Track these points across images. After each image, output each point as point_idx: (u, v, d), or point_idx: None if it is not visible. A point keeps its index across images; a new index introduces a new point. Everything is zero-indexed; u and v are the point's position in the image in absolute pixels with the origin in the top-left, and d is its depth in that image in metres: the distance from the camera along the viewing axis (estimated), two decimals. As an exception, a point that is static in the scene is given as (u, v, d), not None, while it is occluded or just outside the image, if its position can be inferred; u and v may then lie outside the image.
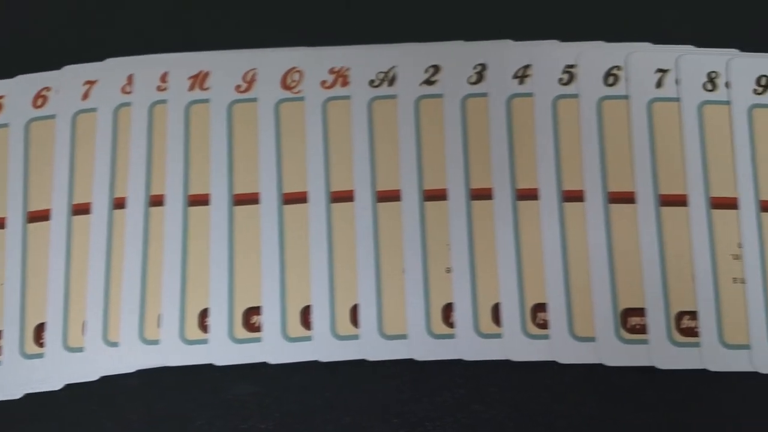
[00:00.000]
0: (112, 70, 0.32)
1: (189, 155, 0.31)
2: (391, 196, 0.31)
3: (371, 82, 0.32)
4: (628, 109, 0.31)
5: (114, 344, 0.30)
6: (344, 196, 0.31)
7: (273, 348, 0.29)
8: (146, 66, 0.32)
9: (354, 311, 0.30)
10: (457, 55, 0.32)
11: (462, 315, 0.29)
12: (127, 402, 0.30)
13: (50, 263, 0.31)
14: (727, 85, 0.31)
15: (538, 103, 0.31)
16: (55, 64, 0.33)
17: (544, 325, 0.29)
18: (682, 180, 0.30)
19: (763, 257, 0.30)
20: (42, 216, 0.31)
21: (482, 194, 0.30)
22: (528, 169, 0.31)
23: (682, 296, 0.29)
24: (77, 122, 0.32)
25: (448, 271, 0.30)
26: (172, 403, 0.30)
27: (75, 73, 0.32)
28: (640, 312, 0.29)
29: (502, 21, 0.33)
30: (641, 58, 0.32)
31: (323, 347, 0.29)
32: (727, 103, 0.31)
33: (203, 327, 0.30)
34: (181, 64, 0.32)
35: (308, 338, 0.29)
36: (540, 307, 0.29)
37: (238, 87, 0.32)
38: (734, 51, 0.32)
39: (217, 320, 0.30)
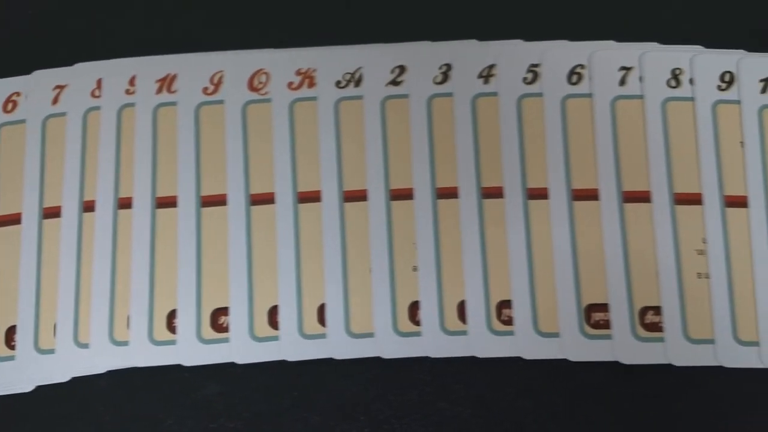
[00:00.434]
0: (82, 74, 0.33)
1: (157, 158, 0.31)
2: (357, 196, 0.31)
3: (338, 83, 0.32)
4: (591, 107, 0.31)
5: (85, 346, 0.30)
6: (311, 197, 0.31)
7: (241, 348, 0.30)
8: (115, 70, 0.32)
9: (321, 311, 0.30)
10: (422, 56, 0.32)
11: (428, 313, 0.30)
12: (98, 403, 0.30)
13: (21, 266, 0.31)
14: (691, 81, 0.32)
15: (502, 102, 0.31)
16: (24, 69, 0.33)
17: (509, 322, 0.30)
18: (646, 177, 0.31)
19: (727, 252, 0.30)
20: (13, 220, 0.31)
21: (448, 193, 0.31)
22: (494, 167, 0.31)
23: (647, 292, 0.30)
24: (47, 127, 0.32)
25: (415, 269, 0.30)
26: (142, 404, 0.30)
27: (45, 78, 0.33)
28: (604, 307, 0.30)
29: (467, 21, 0.33)
30: (605, 56, 0.32)
31: (290, 347, 0.30)
32: (691, 99, 0.31)
33: (171, 328, 0.30)
34: (149, 67, 0.32)
35: (275, 338, 0.30)
36: (505, 304, 0.30)
37: (205, 89, 0.32)
38: (699, 47, 0.32)
39: (185, 321, 0.30)
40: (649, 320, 0.29)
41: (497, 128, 0.31)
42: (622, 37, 0.32)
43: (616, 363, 0.29)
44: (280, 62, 0.32)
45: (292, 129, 0.31)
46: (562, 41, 0.32)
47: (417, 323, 0.30)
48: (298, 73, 0.32)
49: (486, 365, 0.30)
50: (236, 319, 0.30)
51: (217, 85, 0.32)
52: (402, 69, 0.32)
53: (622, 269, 0.30)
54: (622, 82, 0.31)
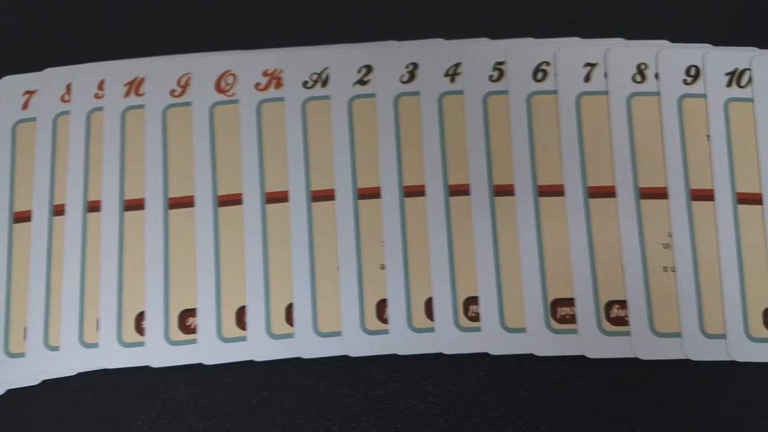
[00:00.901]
0: (51, 79, 0.33)
1: (125, 160, 0.31)
2: (325, 195, 0.31)
3: (305, 83, 0.32)
4: (557, 104, 0.31)
5: (55, 348, 0.30)
6: (279, 197, 0.31)
7: (208, 349, 0.30)
8: (84, 74, 0.33)
9: (289, 310, 0.30)
10: (389, 55, 0.32)
11: (395, 310, 0.30)
12: (68, 405, 0.30)
13: (-9, 271, 0.31)
14: (656, 76, 0.32)
15: (468, 100, 0.32)
16: (-7, 75, 0.33)
17: (475, 318, 0.30)
18: (611, 172, 0.31)
19: (693, 246, 0.30)
20: (-17, 225, 0.32)
21: (415, 191, 0.31)
22: (460, 165, 0.31)
23: (612, 286, 0.30)
24: (17, 132, 0.32)
25: (382, 267, 0.30)
26: (112, 405, 0.30)
27: (14, 83, 0.33)
28: (570, 302, 0.30)
29: (433, 20, 0.34)
30: (569, 53, 0.32)
31: (258, 347, 0.30)
32: (657, 94, 0.32)
33: (140, 330, 0.30)
34: (118, 71, 0.32)
35: (243, 338, 0.30)
36: (472, 300, 0.30)
37: (172, 91, 0.32)
38: (664, 42, 0.32)
39: (153, 323, 0.30)
40: (615, 314, 0.30)
41: (464, 126, 0.31)
42: (587, 33, 0.32)
43: (583, 357, 0.29)
44: (247, 63, 0.32)
45: (260, 130, 0.32)
46: (528, 39, 0.32)
47: (384, 321, 0.30)
48: (265, 74, 0.32)
49: (453, 361, 0.30)
50: (204, 320, 0.30)
51: (185, 87, 0.32)
52: (368, 69, 0.32)
53: (588, 264, 0.30)
54: (587, 78, 0.32)
